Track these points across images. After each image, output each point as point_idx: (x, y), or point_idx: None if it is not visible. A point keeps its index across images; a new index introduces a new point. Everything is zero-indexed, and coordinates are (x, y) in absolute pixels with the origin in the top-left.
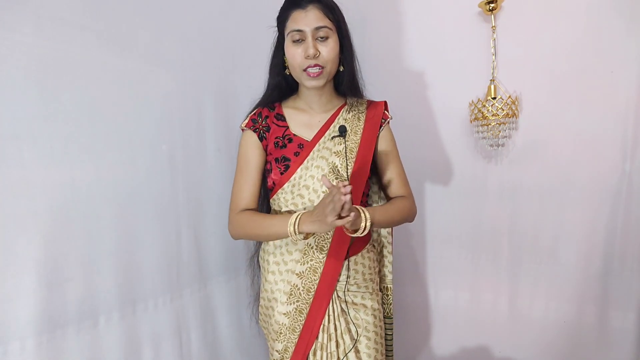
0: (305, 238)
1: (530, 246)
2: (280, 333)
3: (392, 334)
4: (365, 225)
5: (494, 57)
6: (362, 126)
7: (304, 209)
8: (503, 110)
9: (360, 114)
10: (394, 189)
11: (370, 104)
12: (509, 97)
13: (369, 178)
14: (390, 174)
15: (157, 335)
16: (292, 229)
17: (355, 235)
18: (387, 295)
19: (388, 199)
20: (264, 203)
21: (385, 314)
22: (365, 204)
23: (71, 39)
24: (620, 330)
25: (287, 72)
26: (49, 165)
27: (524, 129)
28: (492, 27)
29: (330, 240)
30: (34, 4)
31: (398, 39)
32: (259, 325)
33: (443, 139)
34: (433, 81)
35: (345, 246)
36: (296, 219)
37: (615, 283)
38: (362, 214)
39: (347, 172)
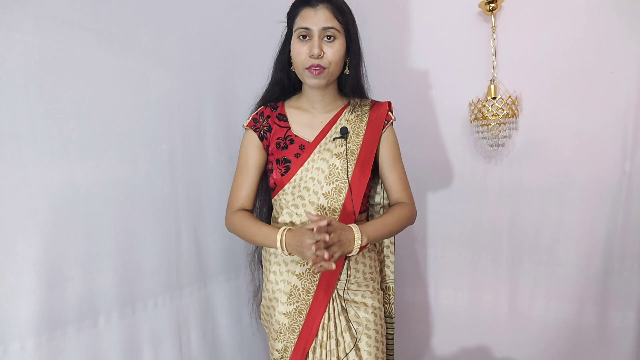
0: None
1: (530, 246)
2: (280, 333)
3: (393, 334)
4: (361, 244)
5: (494, 57)
6: (365, 127)
7: (304, 210)
8: (503, 110)
9: (363, 115)
10: (394, 194)
11: (374, 104)
12: (509, 97)
13: (371, 179)
14: (391, 178)
15: (157, 335)
16: (279, 244)
17: (351, 255)
18: (389, 295)
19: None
20: (265, 202)
21: (387, 313)
22: (367, 205)
23: (71, 38)
24: (620, 330)
25: (291, 68)
26: (49, 165)
27: (524, 129)
28: (492, 27)
29: None
30: (34, 4)
31: (398, 39)
32: (260, 323)
33: (443, 139)
34: (433, 81)
35: None
36: (282, 234)
37: (615, 283)
38: (356, 234)
39: (347, 175)
